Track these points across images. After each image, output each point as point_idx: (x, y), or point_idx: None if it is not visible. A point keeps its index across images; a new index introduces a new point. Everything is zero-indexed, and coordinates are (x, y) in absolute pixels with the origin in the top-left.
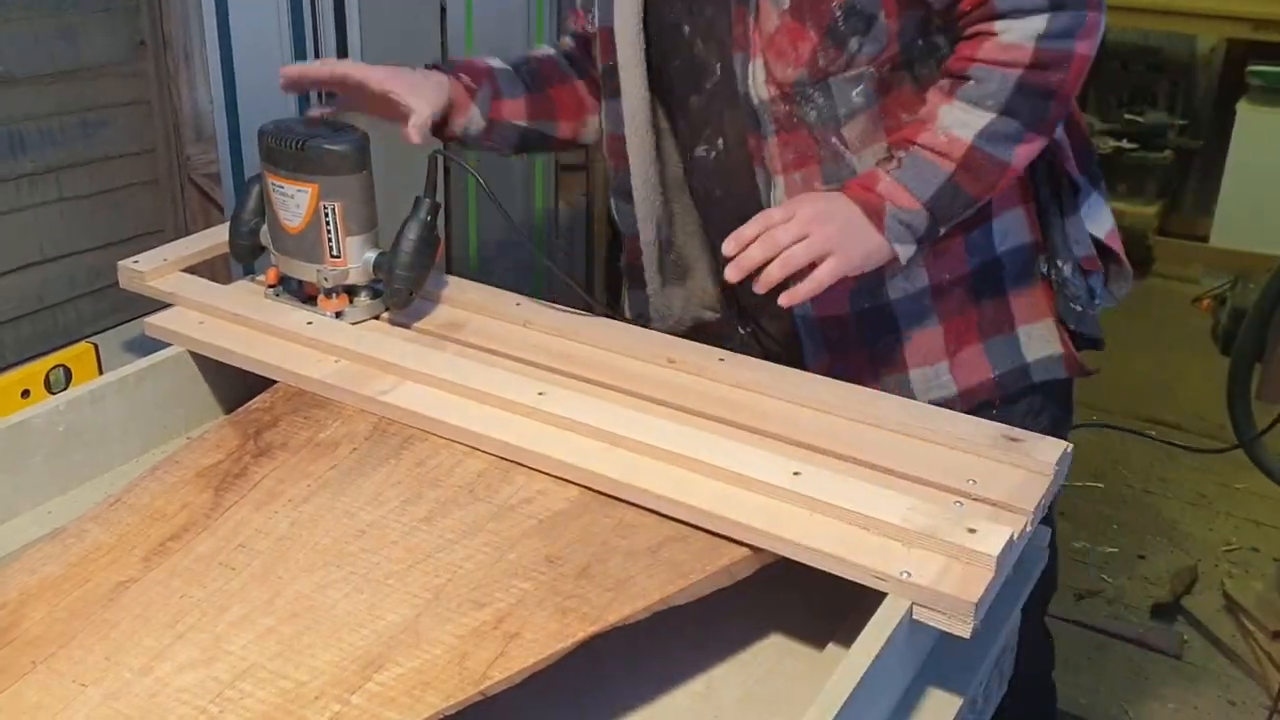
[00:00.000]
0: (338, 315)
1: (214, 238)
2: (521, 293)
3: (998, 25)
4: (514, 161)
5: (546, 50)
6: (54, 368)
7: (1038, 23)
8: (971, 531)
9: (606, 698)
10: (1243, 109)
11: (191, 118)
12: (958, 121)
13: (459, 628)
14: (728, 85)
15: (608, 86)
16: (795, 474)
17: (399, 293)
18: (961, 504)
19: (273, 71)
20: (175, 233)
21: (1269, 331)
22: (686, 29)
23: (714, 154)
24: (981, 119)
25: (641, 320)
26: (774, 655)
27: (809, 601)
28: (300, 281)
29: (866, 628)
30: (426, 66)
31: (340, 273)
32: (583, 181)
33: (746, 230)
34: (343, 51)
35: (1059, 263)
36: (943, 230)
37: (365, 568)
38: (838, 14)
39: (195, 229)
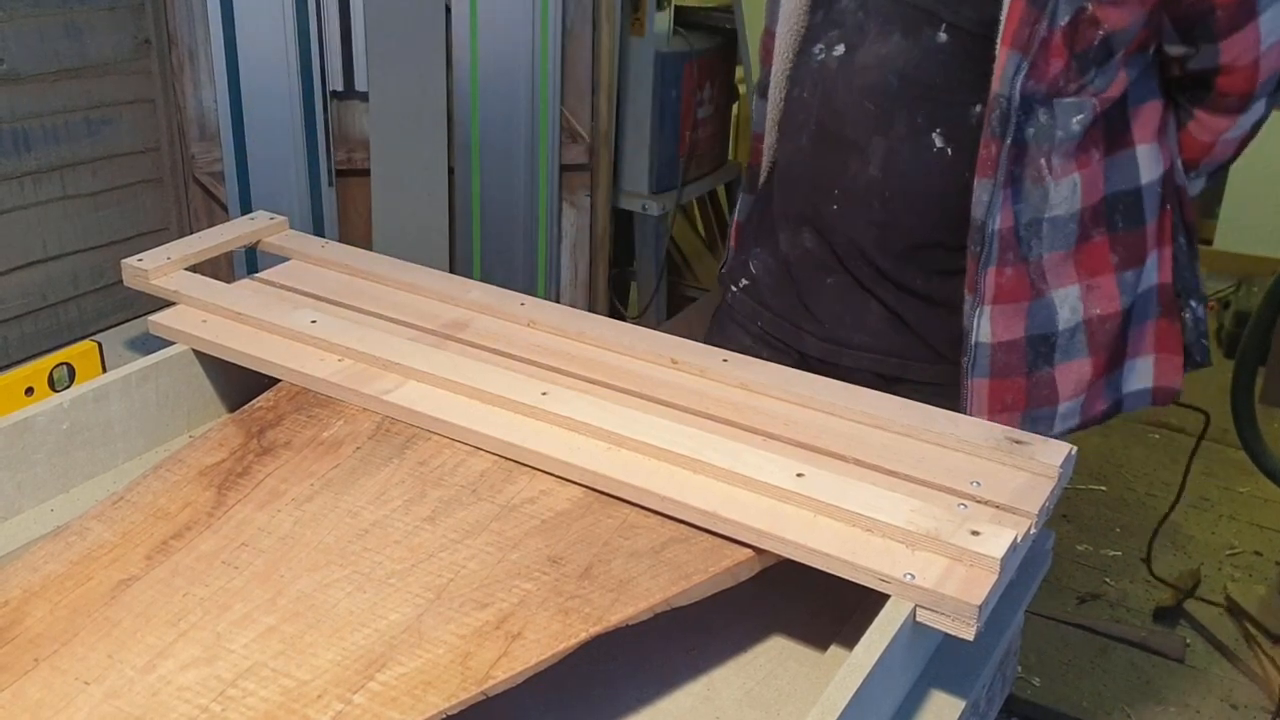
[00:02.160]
0: None
1: (217, 236)
2: (526, 293)
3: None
4: (517, 161)
5: None
6: (57, 365)
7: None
8: (975, 534)
9: (608, 698)
10: None
11: (196, 116)
12: None
13: (461, 627)
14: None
15: None
16: (798, 475)
17: None
18: (965, 506)
19: (277, 70)
20: (179, 231)
21: (1273, 335)
22: None
23: (824, 57)
24: None
25: (749, 227)
26: (776, 657)
27: (811, 603)
28: None
29: (869, 630)
30: None
31: None
32: (586, 181)
33: None
34: (347, 51)
35: (1193, 302)
36: None
37: (368, 567)
38: (1096, 42)
39: (199, 227)
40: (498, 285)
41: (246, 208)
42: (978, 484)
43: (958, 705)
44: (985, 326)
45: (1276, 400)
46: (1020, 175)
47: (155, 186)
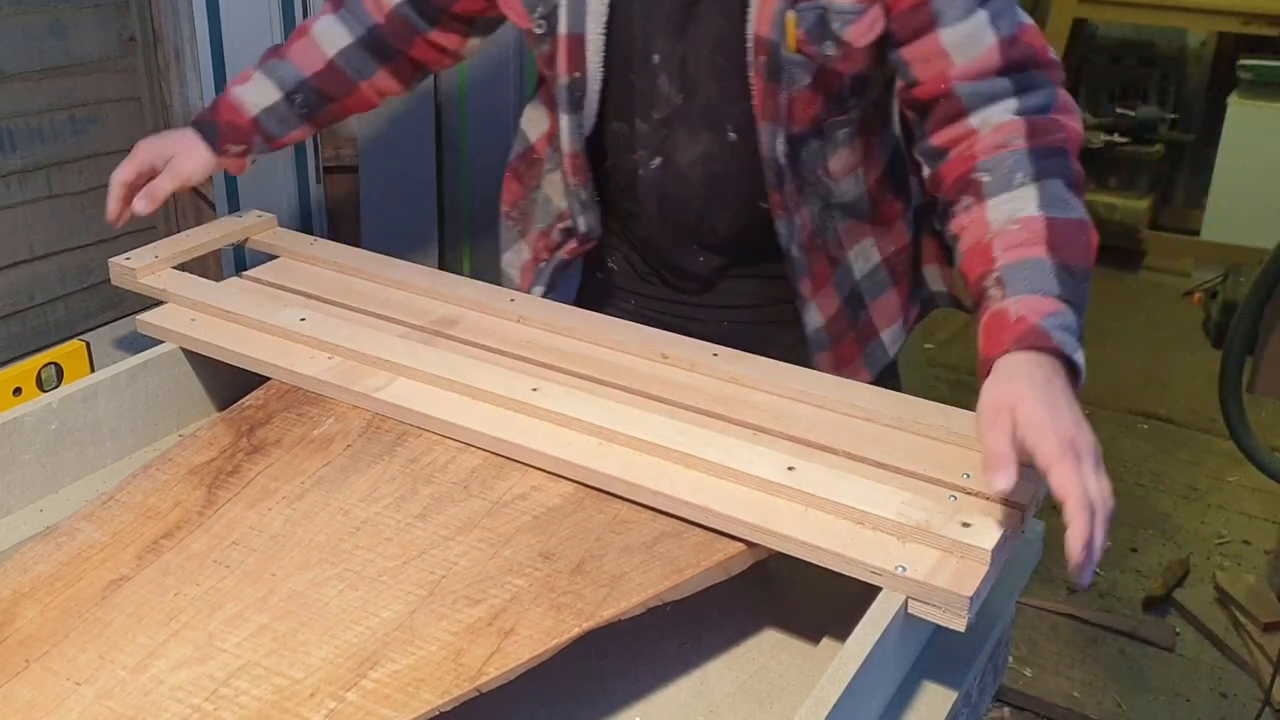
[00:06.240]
0: None
1: (205, 234)
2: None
3: (973, 121)
4: (505, 155)
5: (329, 37)
6: (45, 365)
7: (1009, 104)
8: (966, 525)
9: (601, 693)
10: (1233, 103)
11: (182, 114)
12: (1012, 211)
13: (454, 624)
14: (692, 118)
15: (570, 98)
16: (789, 469)
17: None
18: (956, 498)
19: None
20: (166, 229)
21: (1260, 325)
22: (657, 58)
23: (641, 171)
24: (1029, 195)
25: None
26: (768, 650)
27: (803, 596)
28: None
29: (861, 622)
30: (194, 123)
31: None
32: None
33: (1074, 499)
34: None
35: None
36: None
37: (359, 565)
38: (846, 83)
39: (186, 225)
40: (487, 282)
41: (234, 205)
42: (968, 476)
43: (950, 696)
44: (815, 316)
45: (1264, 390)
46: (805, 191)
47: None
